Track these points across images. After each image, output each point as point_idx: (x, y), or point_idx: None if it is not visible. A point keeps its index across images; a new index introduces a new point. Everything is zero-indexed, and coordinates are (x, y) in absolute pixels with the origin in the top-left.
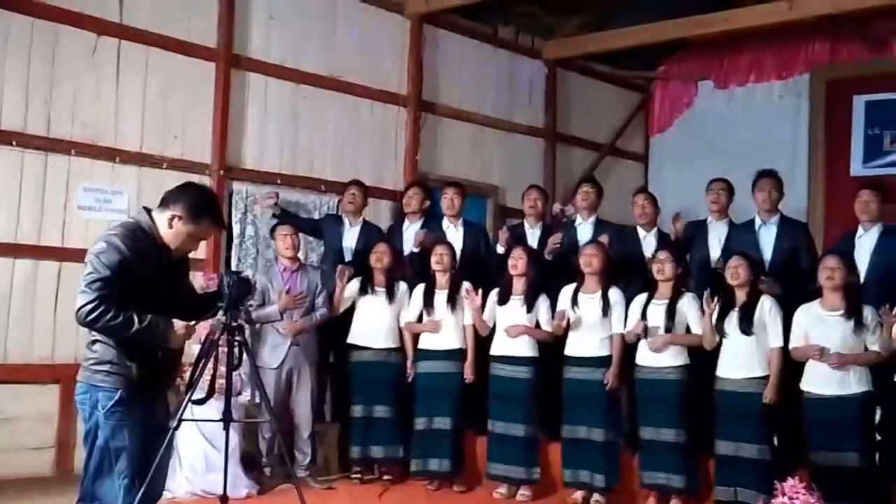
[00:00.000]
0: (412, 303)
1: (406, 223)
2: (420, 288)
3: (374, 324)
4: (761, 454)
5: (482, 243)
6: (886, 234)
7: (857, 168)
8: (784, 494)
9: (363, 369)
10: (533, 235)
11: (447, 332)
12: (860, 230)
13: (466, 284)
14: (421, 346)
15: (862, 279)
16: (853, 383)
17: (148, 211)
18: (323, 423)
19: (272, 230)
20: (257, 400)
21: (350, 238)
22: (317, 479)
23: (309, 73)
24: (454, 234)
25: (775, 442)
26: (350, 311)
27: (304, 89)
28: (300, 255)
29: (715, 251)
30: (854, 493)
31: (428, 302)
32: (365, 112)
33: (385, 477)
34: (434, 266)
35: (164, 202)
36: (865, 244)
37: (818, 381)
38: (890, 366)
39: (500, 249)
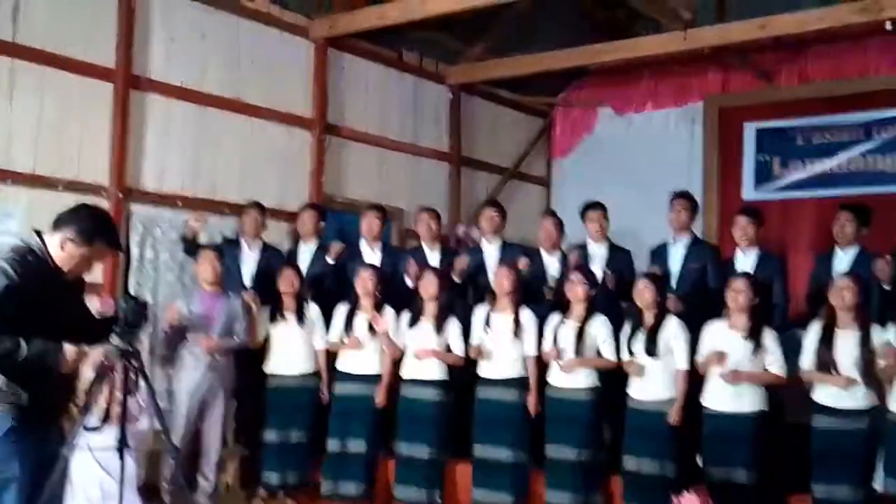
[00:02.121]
0: (333, 324)
1: (301, 245)
2: (342, 309)
3: (287, 350)
4: (663, 471)
5: (399, 267)
6: (765, 257)
7: (748, 193)
8: None
9: (280, 396)
10: (433, 259)
11: (366, 355)
12: (738, 254)
13: (374, 313)
14: (338, 367)
15: None
16: (748, 401)
17: (39, 234)
18: (225, 449)
19: (189, 252)
20: (157, 427)
21: (249, 262)
22: None
23: (211, 95)
24: (371, 257)
25: (698, 459)
26: None
27: (207, 111)
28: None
29: (598, 273)
30: None
31: (348, 325)
32: (269, 134)
33: (289, 502)
34: (358, 289)
35: (57, 224)
36: (743, 266)
37: (716, 397)
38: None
39: (410, 283)
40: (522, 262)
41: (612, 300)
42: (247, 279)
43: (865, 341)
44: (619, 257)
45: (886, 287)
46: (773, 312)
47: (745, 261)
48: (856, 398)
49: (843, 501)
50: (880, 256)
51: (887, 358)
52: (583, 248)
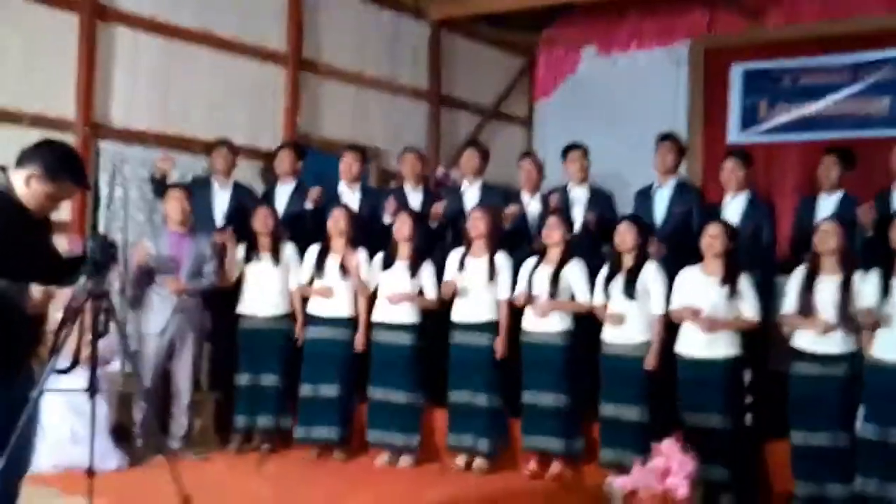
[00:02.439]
0: (304, 266)
1: (278, 185)
2: (313, 250)
3: (262, 290)
4: (641, 416)
5: (379, 208)
6: (754, 202)
7: (734, 136)
8: (661, 454)
9: (251, 337)
10: (415, 199)
11: (338, 298)
12: (727, 197)
13: (353, 251)
14: (309, 311)
15: None
16: (722, 347)
17: (3, 170)
18: (199, 392)
19: (158, 192)
20: (129, 369)
21: (221, 201)
22: (192, 451)
23: (181, 28)
24: (350, 198)
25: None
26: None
27: (177, 45)
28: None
29: (578, 217)
30: (722, 453)
31: (320, 266)
32: (242, 70)
33: (264, 446)
34: (330, 229)
35: (21, 160)
36: (732, 211)
37: (690, 343)
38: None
39: (388, 219)
40: (511, 210)
41: (593, 243)
42: (218, 219)
43: (847, 287)
44: (600, 200)
45: (869, 233)
46: (764, 256)
47: (734, 205)
48: (835, 343)
49: (820, 447)
50: (864, 202)
51: (866, 319)
52: (563, 190)
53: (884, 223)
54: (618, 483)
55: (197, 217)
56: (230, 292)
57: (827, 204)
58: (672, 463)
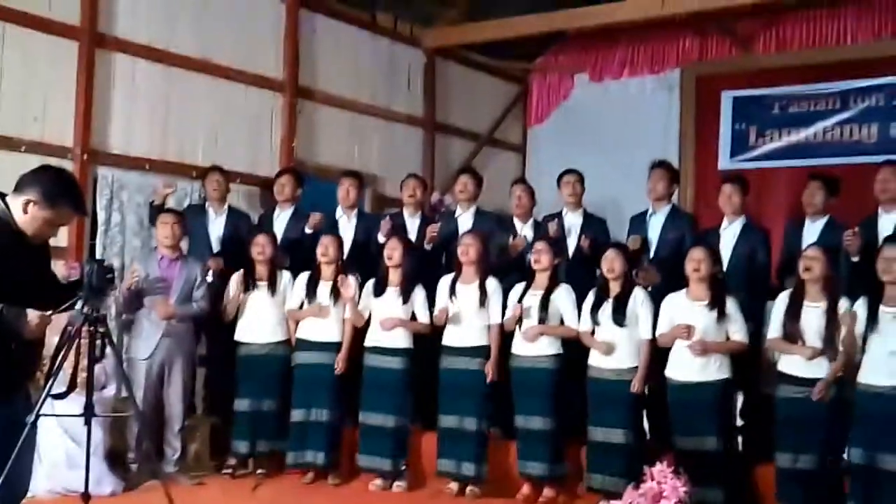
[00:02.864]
0: (295, 291)
1: (277, 211)
2: (304, 277)
3: (259, 318)
4: (628, 440)
5: (375, 234)
6: (749, 227)
7: (724, 162)
8: (653, 479)
9: (251, 364)
10: (412, 225)
11: (329, 323)
12: (724, 223)
13: (342, 276)
14: (300, 336)
15: (725, 269)
16: (714, 370)
17: (2, 196)
18: (194, 417)
19: (151, 217)
20: (124, 393)
21: (216, 227)
22: (186, 475)
23: (180, 56)
24: (346, 224)
25: (646, 428)
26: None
27: (174, 72)
28: (182, 244)
29: (572, 242)
30: (715, 475)
31: (311, 292)
32: (239, 97)
33: (259, 471)
34: (319, 257)
35: (19, 186)
36: (728, 236)
37: (681, 367)
38: (751, 355)
39: (382, 239)
40: (518, 241)
41: (587, 268)
42: (214, 245)
43: (832, 313)
44: (594, 225)
45: (854, 259)
46: (759, 281)
47: (731, 229)
48: (820, 368)
49: (805, 470)
50: (849, 227)
51: (845, 323)
52: (559, 216)
53: (870, 249)
54: None
55: (193, 243)
56: (219, 318)
57: (812, 229)
58: (664, 487)
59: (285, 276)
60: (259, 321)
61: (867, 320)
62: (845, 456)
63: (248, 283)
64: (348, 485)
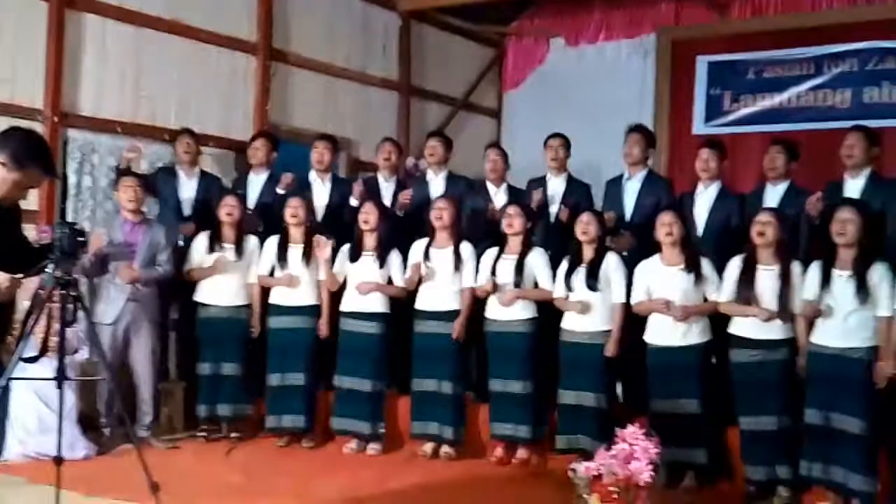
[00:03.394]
0: (264, 256)
1: (252, 175)
2: (273, 240)
3: (222, 281)
4: (599, 403)
5: (348, 197)
6: (724, 192)
7: (699, 127)
8: (624, 440)
9: (211, 326)
10: (387, 189)
11: (302, 287)
12: (700, 187)
13: (319, 237)
14: (273, 301)
15: (700, 234)
16: (696, 333)
17: None
18: (167, 381)
19: (115, 181)
20: (95, 357)
21: (188, 190)
22: (160, 439)
23: (151, 17)
24: (321, 188)
25: (619, 392)
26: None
27: (146, 33)
28: (144, 208)
29: (555, 205)
30: (692, 437)
31: (282, 256)
32: (211, 59)
33: (233, 435)
34: (288, 219)
35: None
36: (704, 201)
37: (662, 333)
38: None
39: (354, 202)
40: (537, 196)
41: (568, 235)
42: (186, 208)
43: (786, 277)
44: (577, 191)
45: (815, 223)
46: (735, 245)
47: (706, 194)
48: (774, 329)
49: (767, 431)
50: (810, 192)
51: (805, 311)
52: (542, 180)
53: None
54: (582, 468)
55: (163, 206)
56: (187, 281)
57: (774, 194)
58: (635, 448)
59: (252, 240)
60: (221, 283)
61: (820, 283)
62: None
63: (214, 246)
64: (323, 448)
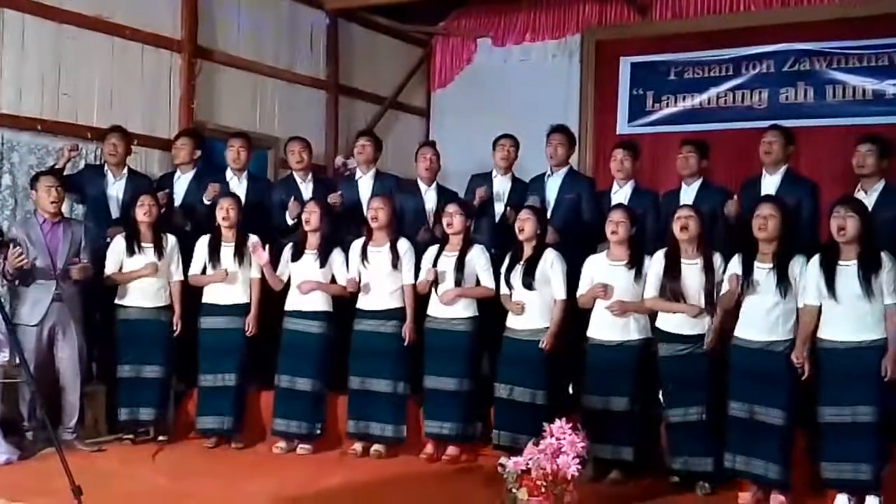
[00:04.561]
0: (196, 256)
1: (178, 174)
2: (204, 240)
3: (142, 283)
4: (535, 399)
5: (266, 197)
6: (638, 191)
7: (623, 127)
8: (552, 435)
9: (132, 328)
10: (306, 189)
11: (234, 286)
12: (615, 186)
13: (253, 238)
14: (206, 300)
15: None
16: (633, 330)
17: None
18: (92, 384)
19: (33, 180)
20: (16, 360)
21: (115, 191)
22: (85, 442)
23: (72, 13)
24: (237, 186)
25: (570, 388)
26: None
27: (68, 29)
28: (64, 207)
29: (500, 206)
30: (620, 434)
31: (213, 256)
32: (135, 56)
33: (160, 437)
34: (220, 220)
35: None
36: (619, 199)
37: (602, 328)
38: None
39: (290, 222)
40: (482, 192)
41: (512, 233)
42: (113, 209)
43: (709, 270)
44: (520, 190)
45: (732, 223)
46: (651, 243)
47: (621, 193)
48: (699, 324)
49: (692, 423)
50: (729, 195)
51: (730, 284)
52: (488, 178)
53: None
54: (510, 463)
55: (90, 207)
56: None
57: (688, 192)
58: (563, 442)
59: (171, 239)
60: (141, 286)
61: (742, 277)
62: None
63: (133, 248)
64: (252, 448)
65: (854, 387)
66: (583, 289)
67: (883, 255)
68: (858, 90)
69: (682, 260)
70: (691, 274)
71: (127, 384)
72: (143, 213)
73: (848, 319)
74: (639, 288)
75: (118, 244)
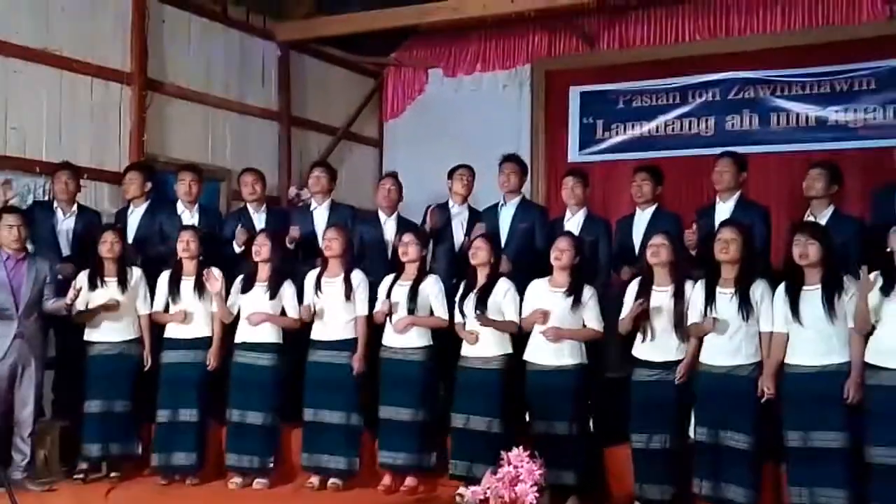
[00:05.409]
0: (157, 291)
1: (131, 208)
2: (165, 275)
3: (110, 317)
4: (490, 427)
5: (217, 228)
6: (590, 218)
7: (574, 155)
8: (510, 463)
9: (100, 364)
10: (259, 220)
11: (195, 320)
12: (567, 213)
13: (208, 270)
14: (167, 335)
15: None
16: (567, 355)
17: None
18: (42, 421)
19: None
20: None
21: (65, 227)
22: (36, 482)
23: (19, 46)
24: (188, 219)
25: (524, 416)
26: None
27: (14, 63)
28: (28, 245)
29: (459, 235)
30: (569, 458)
31: (174, 289)
32: (84, 89)
33: (112, 474)
34: (181, 253)
35: None
36: (572, 226)
37: (538, 352)
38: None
39: (238, 249)
40: (433, 220)
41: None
42: (63, 246)
43: (679, 296)
44: (477, 220)
45: (693, 252)
46: (600, 270)
47: (573, 220)
48: (670, 351)
49: (658, 449)
50: (682, 225)
51: (702, 322)
52: (445, 207)
53: (709, 235)
54: (469, 493)
55: (40, 243)
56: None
57: (643, 218)
58: (520, 471)
59: (136, 272)
60: (110, 320)
61: (704, 302)
62: (691, 433)
63: (96, 282)
64: (208, 485)
65: (821, 411)
66: (525, 312)
67: (846, 278)
68: (802, 117)
69: (654, 287)
70: (662, 300)
71: (96, 420)
72: (106, 249)
73: (813, 344)
74: (576, 315)
75: (81, 281)
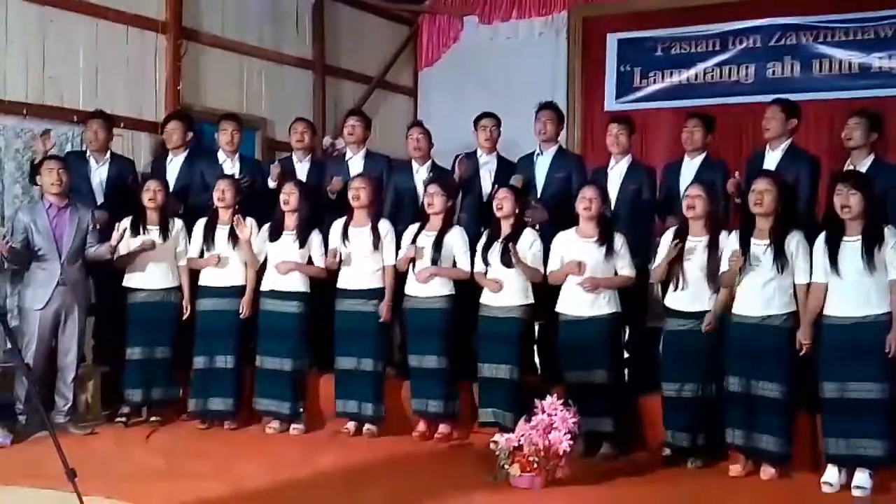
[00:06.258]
0: (193, 238)
1: (170, 157)
2: (200, 224)
3: (149, 264)
4: (511, 375)
5: (258, 178)
6: (634, 166)
7: (610, 103)
8: (543, 411)
9: (141, 311)
10: (302, 169)
11: (229, 268)
12: (612, 162)
13: (238, 217)
14: (202, 283)
15: (612, 207)
16: (604, 305)
17: None
18: (84, 366)
19: (37, 166)
20: (10, 345)
21: (98, 176)
22: (78, 425)
23: None
24: (230, 168)
25: (537, 365)
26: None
27: (51, 12)
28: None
29: (486, 185)
30: (605, 406)
31: (209, 237)
32: (120, 38)
33: (153, 419)
34: (216, 202)
35: None
36: (615, 175)
37: (571, 303)
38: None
39: (272, 184)
40: (462, 170)
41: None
42: (98, 194)
43: (713, 248)
44: (507, 169)
45: (736, 200)
46: (646, 218)
47: (617, 168)
48: (703, 302)
49: (689, 398)
50: (730, 173)
51: (732, 261)
52: (473, 156)
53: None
54: (503, 440)
55: (75, 192)
56: (108, 265)
57: (690, 167)
58: (554, 419)
59: (177, 223)
60: (148, 267)
61: (740, 252)
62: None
63: (139, 229)
64: (245, 429)
65: (858, 363)
66: (553, 265)
67: (886, 229)
68: (845, 64)
69: (689, 237)
70: (697, 250)
71: (137, 366)
72: (148, 198)
73: (851, 295)
74: (609, 264)
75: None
